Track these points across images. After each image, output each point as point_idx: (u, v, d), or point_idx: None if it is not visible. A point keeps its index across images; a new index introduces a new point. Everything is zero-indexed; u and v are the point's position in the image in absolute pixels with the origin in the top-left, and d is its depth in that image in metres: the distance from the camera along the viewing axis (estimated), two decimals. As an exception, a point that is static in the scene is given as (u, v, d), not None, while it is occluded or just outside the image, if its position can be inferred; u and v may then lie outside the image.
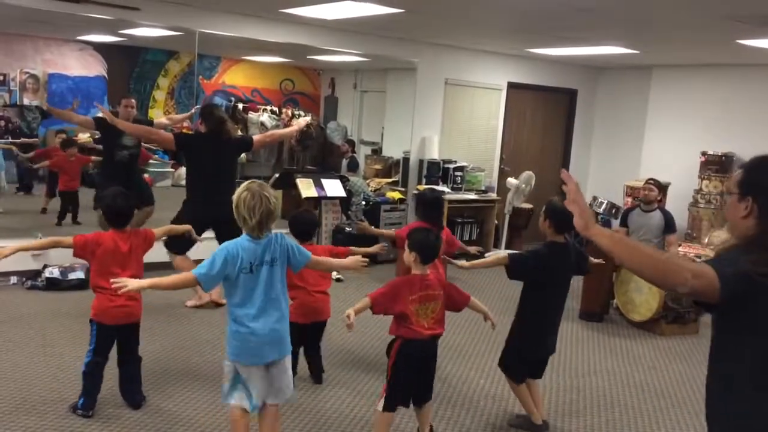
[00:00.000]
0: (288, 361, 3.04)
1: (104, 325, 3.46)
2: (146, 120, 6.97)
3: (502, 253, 3.77)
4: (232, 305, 2.88)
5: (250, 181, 2.90)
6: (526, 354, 3.69)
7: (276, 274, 2.90)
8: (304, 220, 4.17)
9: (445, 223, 4.57)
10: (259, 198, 2.78)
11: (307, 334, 4.11)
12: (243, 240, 2.85)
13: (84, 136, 7.93)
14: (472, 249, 4.77)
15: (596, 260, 3.96)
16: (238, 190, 2.85)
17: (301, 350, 4.16)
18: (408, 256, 3.25)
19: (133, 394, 3.66)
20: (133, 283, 2.78)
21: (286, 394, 3.03)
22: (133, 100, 6.21)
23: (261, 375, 2.92)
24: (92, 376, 3.50)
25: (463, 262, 3.72)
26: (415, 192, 8.10)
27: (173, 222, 5.12)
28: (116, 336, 3.53)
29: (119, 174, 6.04)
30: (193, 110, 6.98)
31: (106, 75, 8.26)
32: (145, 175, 7.53)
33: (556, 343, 3.78)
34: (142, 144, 6.46)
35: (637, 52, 7.39)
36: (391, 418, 3.27)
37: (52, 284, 5.70)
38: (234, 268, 2.80)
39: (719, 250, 1.90)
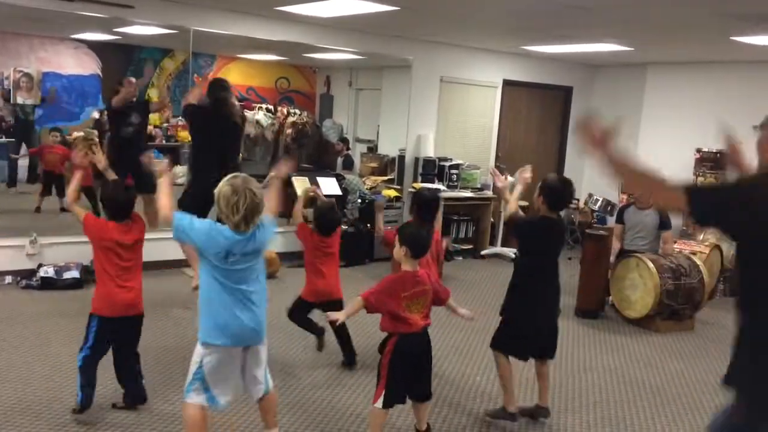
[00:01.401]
0: (264, 351, 3.03)
1: (105, 318, 3.40)
2: (142, 100, 7.38)
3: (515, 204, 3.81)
4: (207, 291, 2.84)
5: (232, 175, 2.80)
6: (520, 324, 3.66)
7: (254, 264, 2.88)
8: (333, 216, 4.43)
9: (440, 224, 4.55)
10: (243, 193, 2.70)
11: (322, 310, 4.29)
12: (226, 229, 2.79)
13: (78, 135, 7.89)
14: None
15: None
16: (219, 184, 2.77)
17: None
18: (398, 251, 3.23)
19: (138, 390, 3.63)
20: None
21: (260, 386, 3.03)
22: (133, 79, 6.61)
23: (234, 362, 2.90)
24: (88, 370, 3.45)
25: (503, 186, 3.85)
26: (411, 190, 8.10)
27: (180, 199, 5.28)
28: (116, 330, 3.47)
29: (125, 149, 6.21)
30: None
31: (100, 73, 8.23)
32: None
33: (556, 317, 3.76)
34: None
35: (632, 49, 7.40)
36: (386, 415, 3.28)
37: (47, 283, 5.68)
38: (208, 244, 2.77)
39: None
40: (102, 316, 3.41)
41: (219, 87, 5.51)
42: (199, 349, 2.90)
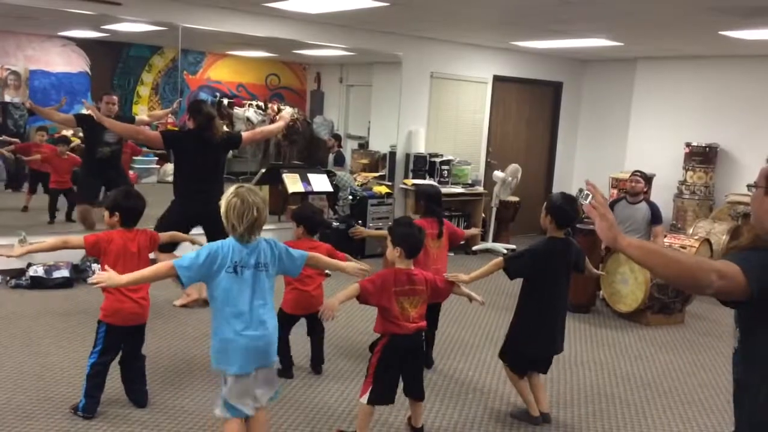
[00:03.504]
0: (274, 370, 2.98)
1: (114, 326, 3.44)
2: (128, 117, 6.87)
3: (498, 256, 3.76)
4: (217, 309, 2.79)
5: (238, 185, 2.82)
6: (522, 348, 3.70)
7: (263, 280, 2.82)
8: (313, 214, 4.24)
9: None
10: (248, 205, 2.72)
11: (306, 323, 4.21)
12: (231, 240, 2.80)
13: (67, 134, 7.84)
14: (474, 230, 5.00)
15: (597, 272, 4.28)
16: (227, 196, 2.77)
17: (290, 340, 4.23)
18: (392, 252, 3.24)
19: (140, 393, 3.65)
20: (114, 279, 2.74)
21: (263, 401, 2.93)
22: (114, 97, 6.14)
23: (248, 383, 2.84)
24: (97, 378, 3.47)
25: (463, 276, 3.66)
26: (403, 186, 8.11)
27: (161, 219, 5.10)
28: (124, 336, 3.52)
29: (100, 170, 6.00)
30: (174, 105, 6.91)
31: (89, 71, 8.17)
32: (131, 172, 7.47)
33: (563, 342, 3.76)
34: (131, 139, 6.42)
35: (622, 44, 7.42)
36: (373, 411, 3.30)
37: (37, 283, 5.65)
38: (217, 265, 2.73)
39: (743, 245, 1.82)
40: (110, 324, 3.45)
41: (200, 110, 5.21)
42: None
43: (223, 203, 2.77)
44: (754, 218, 1.90)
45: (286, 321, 4.07)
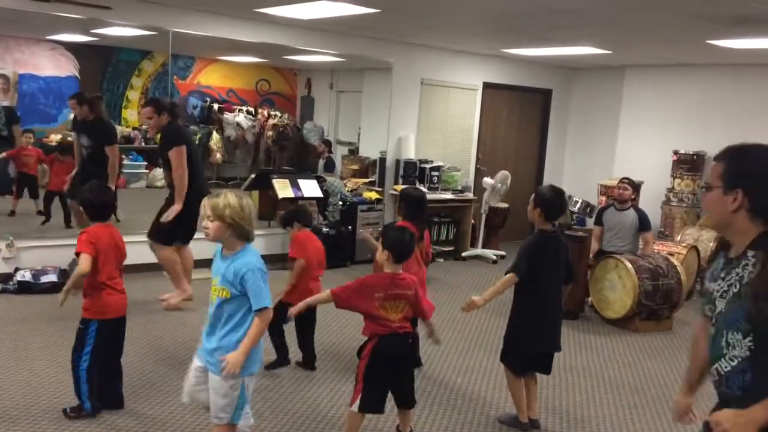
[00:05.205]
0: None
1: (105, 321, 3.43)
2: (108, 126, 6.51)
3: (505, 277, 3.66)
4: (247, 314, 2.71)
5: (227, 191, 2.81)
6: (519, 345, 3.69)
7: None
8: (306, 210, 4.53)
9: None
10: (249, 206, 2.74)
11: (298, 319, 4.16)
12: (254, 249, 2.76)
13: (56, 138, 7.81)
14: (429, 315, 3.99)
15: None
16: (235, 199, 2.69)
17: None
18: (381, 255, 3.24)
19: (117, 392, 3.63)
20: (234, 360, 2.62)
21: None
22: (72, 101, 6.12)
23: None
24: (94, 377, 3.45)
25: (477, 301, 3.55)
26: (393, 192, 8.11)
27: (174, 225, 5.14)
28: (111, 330, 3.49)
29: (83, 170, 6.04)
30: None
31: (78, 75, 8.14)
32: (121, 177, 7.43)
33: (559, 341, 3.74)
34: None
35: (610, 52, 7.48)
36: (363, 418, 3.29)
37: (25, 288, 5.60)
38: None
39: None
40: (100, 319, 3.43)
41: (161, 103, 5.26)
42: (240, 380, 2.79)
43: (235, 206, 2.66)
44: (717, 221, 1.85)
45: (281, 312, 4.10)
